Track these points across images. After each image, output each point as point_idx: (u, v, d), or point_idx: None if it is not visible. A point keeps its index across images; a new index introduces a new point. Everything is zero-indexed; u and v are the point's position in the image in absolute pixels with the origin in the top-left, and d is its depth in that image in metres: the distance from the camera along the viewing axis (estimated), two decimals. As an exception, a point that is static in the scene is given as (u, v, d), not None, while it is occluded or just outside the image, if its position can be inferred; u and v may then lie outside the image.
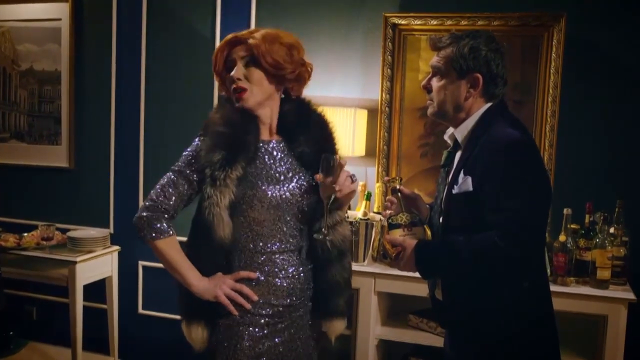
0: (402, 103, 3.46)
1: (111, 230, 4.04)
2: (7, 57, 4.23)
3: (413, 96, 3.40)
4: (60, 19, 4.05)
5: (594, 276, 2.89)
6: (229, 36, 2.14)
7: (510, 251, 1.77)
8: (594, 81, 3.19)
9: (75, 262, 3.58)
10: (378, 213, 3.24)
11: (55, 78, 4.11)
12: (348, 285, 2.27)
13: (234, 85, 2.08)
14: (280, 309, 2.12)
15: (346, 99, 3.51)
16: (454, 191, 1.94)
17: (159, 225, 2.07)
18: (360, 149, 3.40)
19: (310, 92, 2.30)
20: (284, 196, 2.08)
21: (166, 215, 2.07)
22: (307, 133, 2.16)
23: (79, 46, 4.05)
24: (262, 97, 2.10)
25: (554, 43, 3.18)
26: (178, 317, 2.22)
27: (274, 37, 2.08)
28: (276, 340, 2.12)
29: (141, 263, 4.03)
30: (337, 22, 3.56)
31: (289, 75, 2.11)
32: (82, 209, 4.13)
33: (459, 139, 2.01)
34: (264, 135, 2.16)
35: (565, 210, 2.96)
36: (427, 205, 2.21)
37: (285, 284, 2.12)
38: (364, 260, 3.20)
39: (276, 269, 2.11)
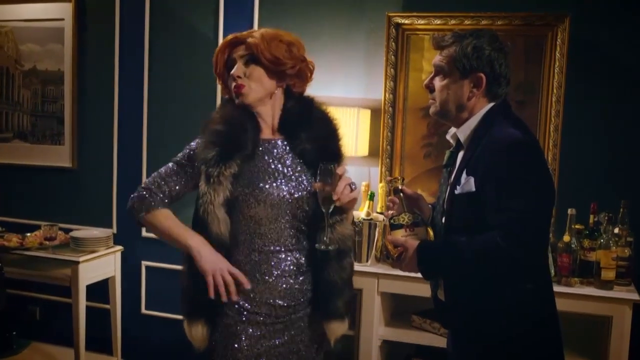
0: (405, 103, 3.45)
1: (114, 230, 4.04)
2: (10, 57, 4.23)
3: (416, 96, 3.39)
4: (63, 19, 4.05)
5: (599, 277, 2.88)
6: (229, 37, 2.15)
7: (512, 251, 1.77)
8: (598, 81, 3.18)
9: (78, 262, 3.59)
10: (381, 213, 3.23)
11: (58, 78, 4.11)
12: (347, 286, 2.19)
13: (234, 83, 2.09)
14: (278, 309, 2.10)
15: (349, 99, 3.50)
16: (456, 191, 1.94)
17: (151, 201, 2.08)
18: (363, 149, 3.39)
19: (313, 92, 2.28)
20: (283, 195, 2.06)
21: (159, 197, 2.09)
22: (309, 130, 2.13)
23: (82, 46, 4.05)
24: (262, 93, 2.10)
25: (558, 43, 3.17)
26: (181, 317, 2.20)
27: (273, 35, 2.09)
28: (276, 341, 2.10)
29: (144, 263, 4.02)
30: (340, 21, 3.55)
31: (289, 71, 2.10)
32: (85, 209, 4.13)
33: (462, 139, 2.00)
34: (265, 133, 2.16)
35: (569, 211, 2.95)
36: (430, 205, 2.20)
37: (283, 284, 2.10)
38: (367, 261, 3.19)
39: (274, 269, 2.09)
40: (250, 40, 2.07)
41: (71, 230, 3.90)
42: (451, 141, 2.09)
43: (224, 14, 3.76)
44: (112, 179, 4.06)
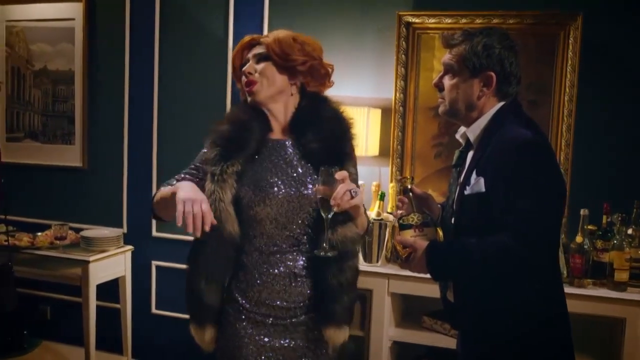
0: (416, 102, 3.43)
1: (124, 229, 4.04)
2: (21, 57, 4.25)
3: (427, 95, 3.37)
4: (73, 19, 4.06)
5: (612, 278, 2.85)
6: (246, 38, 2.16)
7: (520, 252, 1.75)
8: (611, 80, 3.15)
9: (88, 262, 3.60)
10: (391, 213, 3.22)
11: (69, 78, 4.12)
12: (347, 291, 2.08)
13: (245, 80, 2.10)
14: (277, 310, 2.07)
15: (360, 99, 3.49)
16: (466, 192, 1.92)
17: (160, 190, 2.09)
18: (373, 149, 3.37)
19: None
20: (285, 195, 2.04)
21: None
22: (317, 130, 2.09)
23: (92, 46, 4.06)
24: (273, 90, 2.09)
25: (570, 41, 3.14)
26: (190, 317, 2.21)
27: (287, 34, 2.10)
28: (278, 343, 2.08)
29: (154, 263, 4.02)
30: (350, 20, 3.54)
31: (300, 67, 2.09)
32: (96, 208, 4.13)
33: (471, 139, 1.98)
34: (276, 131, 2.14)
35: (582, 211, 2.92)
36: (439, 205, 2.18)
37: (281, 285, 2.07)
38: (377, 261, 3.18)
39: (272, 269, 2.06)
40: (263, 39, 2.10)
41: (82, 229, 3.91)
42: (461, 141, 2.07)
43: (234, 14, 3.75)
44: (122, 179, 4.06)
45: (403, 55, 3.41)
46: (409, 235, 1.96)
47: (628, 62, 3.12)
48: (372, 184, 3.31)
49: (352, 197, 1.90)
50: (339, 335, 2.09)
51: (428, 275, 1.95)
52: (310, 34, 2.17)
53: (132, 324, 4.00)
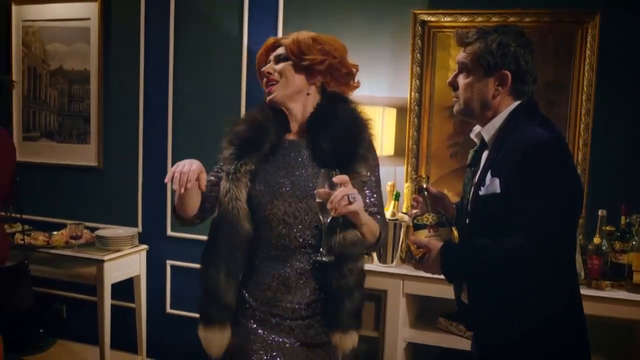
0: (431, 101, 3.41)
1: (139, 229, 4.05)
2: (38, 57, 4.27)
3: (443, 94, 3.34)
4: (89, 19, 4.07)
5: (630, 280, 2.81)
6: (270, 40, 2.18)
7: (534, 254, 1.73)
8: (630, 79, 3.10)
9: (103, 261, 3.61)
10: (406, 213, 3.19)
11: (84, 77, 4.14)
12: (348, 294, 2.04)
13: (265, 80, 2.12)
14: (285, 311, 2.06)
15: (375, 98, 3.47)
16: (480, 192, 1.89)
17: None
18: (389, 148, 3.35)
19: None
20: (293, 195, 2.03)
21: None
22: (331, 130, 2.07)
23: (108, 46, 4.07)
24: (290, 90, 2.09)
25: (588, 40, 3.10)
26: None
27: (307, 34, 2.11)
28: (286, 343, 2.06)
29: (169, 262, 4.03)
30: (365, 19, 3.52)
31: (318, 67, 2.08)
32: (111, 207, 4.15)
33: (486, 138, 1.95)
34: (294, 131, 2.14)
35: (599, 212, 2.89)
36: (454, 205, 2.16)
37: (289, 286, 2.06)
38: (392, 262, 3.16)
39: (282, 270, 2.06)
40: (283, 40, 2.12)
41: (97, 229, 3.93)
42: (475, 140, 2.04)
43: (248, 13, 3.74)
44: (137, 178, 4.07)
45: (418, 54, 3.38)
46: (423, 236, 1.94)
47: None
48: (387, 184, 3.28)
49: (349, 203, 1.86)
50: (345, 341, 2.06)
51: (443, 276, 1.93)
52: (325, 33, 2.16)
53: (146, 324, 4.01)
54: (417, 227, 1.96)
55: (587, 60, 3.11)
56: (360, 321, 2.11)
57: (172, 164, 3.87)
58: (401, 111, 3.43)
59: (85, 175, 4.20)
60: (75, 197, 4.24)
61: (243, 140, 2.08)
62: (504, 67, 1.88)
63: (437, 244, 1.88)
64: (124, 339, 3.98)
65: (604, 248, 2.87)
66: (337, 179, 1.87)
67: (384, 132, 3.27)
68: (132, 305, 4.00)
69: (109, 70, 4.09)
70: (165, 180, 1.90)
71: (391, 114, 3.36)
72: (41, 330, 4.07)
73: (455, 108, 1.99)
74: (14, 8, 4.27)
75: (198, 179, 1.90)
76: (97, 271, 3.62)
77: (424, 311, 3.34)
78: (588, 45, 3.10)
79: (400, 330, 3.10)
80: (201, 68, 3.88)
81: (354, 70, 2.19)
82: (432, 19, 3.35)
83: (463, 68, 1.95)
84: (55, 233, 3.86)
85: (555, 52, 3.17)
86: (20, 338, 3.94)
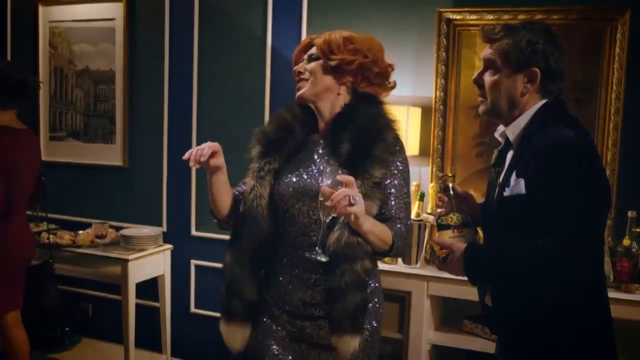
0: (456, 101, 3.37)
1: (164, 228, 4.06)
2: (64, 58, 4.30)
3: (468, 94, 3.30)
4: (114, 19, 4.10)
5: (661, 283, 2.75)
6: (305, 40, 2.23)
7: (559, 255, 1.69)
8: (661, 77, 3.04)
9: (127, 260, 3.62)
10: (431, 214, 3.16)
11: (110, 78, 4.16)
12: (338, 296, 1.98)
13: (297, 78, 2.16)
14: (297, 309, 2.08)
15: (399, 97, 3.42)
16: (505, 193, 1.85)
17: None
18: (413, 148, 3.32)
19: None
20: (306, 195, 2.04)
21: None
22: (351, 130, 2.05)
23: (133, 46, 4.09)
24: (318, 89, 2.10)
25: (617, 37, 3.04)
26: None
27: (339, 33, 2.11)
28: (298, 341, 2.09)
29: (193, 262, 4.03)
30: (389, 18, 3.48)
31: (347, 67, 2.07)
32: (136, 207, 4.17)
33: (511, 138, 1.91)
34: (320, 130, 2.16)
35: (629, 213, 2.82)
36: (480, 205, 2.12)
37: (300, 285, 2.06)
38: (416, 263, 3.13)
39: (295, 269, 2.07)
40: (316, 40, 2.13)
41: (122, 228, 3.95)
42: (500, 139, 2.00)
43: (272, 12, 3.73)
44: (162, 178, 4.08)
45: (443, 53, 3.35)
46: (447, 236, 1.91)
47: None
48: (412, 184, 3.25)
49: (350, 204, 1.81)
50: (340, 344, 2.00)
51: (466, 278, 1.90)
52: (349, 31, 2.16)
53: (171, 323, 4.02)
54: (441, 227, 1.93)
55: (617, 59, 3.05)
56: (357, 325, 2.02)
57: (197, 164, 3.92)
58: (426, 110, 3.39)
59: (110, 175, 4.23)
60: (100, 197, 4.27)
61: (269, 139, 2.13)
62: (533, 64, 1.84)
63: (460, 245, 1.85)
64: (149, 338, 4.00)
65: (633, 250, 2.81)
66: (341, 177, 1.84)
67: (408, 132, 3.23)
68: (157, 304, 4.01)
69: (134, 70, 4.11)
70: (184, 156, 2.03)
71: (416, 114, 3.33)
72: (67, 329, 4.10)
73: (481, 108, 1.96)
74: (40, 9, 4.31)
75: (212, 156, 1.99)
76: (121, 270, 3.64)
77: (449, 313, 3.30)
78: (618, 43, 3.04)
79: (424, 332, 3.06)
80: (226, 67, 3.88)
81: (389, 70, 2.19)
82: (458, 17, 3.31)
83: (489, 65, 1.91)
84: (81, 232, 3.90)
85: (583, 50, 3.11)
86: (46, 336, 3.97)
